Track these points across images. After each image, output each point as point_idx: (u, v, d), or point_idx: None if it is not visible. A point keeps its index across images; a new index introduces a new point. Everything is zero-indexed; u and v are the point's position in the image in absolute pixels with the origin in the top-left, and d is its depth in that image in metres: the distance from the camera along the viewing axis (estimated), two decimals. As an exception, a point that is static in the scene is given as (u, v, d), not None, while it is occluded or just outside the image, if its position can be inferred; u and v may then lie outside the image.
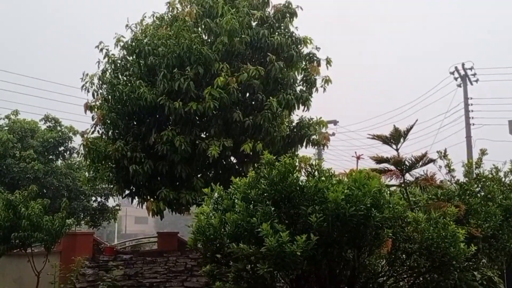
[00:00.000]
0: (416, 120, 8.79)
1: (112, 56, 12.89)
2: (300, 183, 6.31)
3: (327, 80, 13.13)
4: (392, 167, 9.06)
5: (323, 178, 6.28)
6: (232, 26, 11.57)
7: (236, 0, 12.80)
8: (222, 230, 6.21)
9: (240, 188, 6.48)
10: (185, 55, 11.71)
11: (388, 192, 8.19)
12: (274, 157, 6.59)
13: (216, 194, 6.74)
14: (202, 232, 6.33)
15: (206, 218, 6.37)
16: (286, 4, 13.15)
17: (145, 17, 13.40)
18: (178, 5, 13.53)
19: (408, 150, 9.77)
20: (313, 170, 6.53)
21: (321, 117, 13.36)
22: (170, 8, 13.60)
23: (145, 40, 12.38)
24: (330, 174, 6.41)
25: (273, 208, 6.02)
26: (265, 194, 6.21)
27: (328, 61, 13.17)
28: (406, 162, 8.80)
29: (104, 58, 12.88)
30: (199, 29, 12.56)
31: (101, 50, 12.82)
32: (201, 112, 11.41)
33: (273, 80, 12.25)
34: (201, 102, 11.38)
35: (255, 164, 12.36)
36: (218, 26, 11.88)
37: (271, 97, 11.72)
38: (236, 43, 11.87)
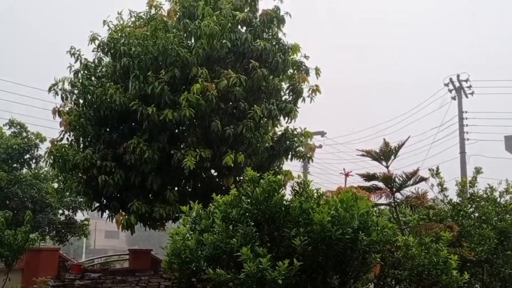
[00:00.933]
0: (408, 137, 8.84)
1: (85, 60, 12.66)
2: (286, 203, 6.22)
3: (315, 90, 13.07)
4: (382, 185, 9.06)
5: (308, 198, 6.18)
6: (212, 29, 11.44)
7: (219, 1, 12.70)
8: (199, 252, 6.06)
9: (221, 206, 6.34)
10: (161, 57, 11.54)
11: (377, 212, 8.17)
12: (258, 174, 6.48)
13: (194, 212, 6.59)
14: (177, 254, 6.17)
15: (182, 239, 6.22)
16: (275, 9, 13.13)
17: (121, 14, 13.22)
18: (162, 3, 13.39)
19: (399, 165, 9.78)
20: (301, 189, 6.43)
21: (305, 128, 13.33)
22: (149, 7, 13.46)
23: (121, 40, 12.21)
24: (318, 193, 6.31)
25: (255, 229, 5.90)
26: (247, 214, 6.09)
27: (317, 71, 13.17)
28: (397, 180, 8.82)
29: (75, 62, 12.63)
30: (180, 31, 12.42)
31: (73, 54, 12.57)
32: (177, 120, 11.24)
33: (256, 88, 12.19)
34: (177, 109, 11.19)
35: (237, 178, 12.40)
36: (197, 28, 11.76)
37: (255, 105, 11.62)
38: (216, 47, 11.77)
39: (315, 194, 6.36)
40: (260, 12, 13.24)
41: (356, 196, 6.04)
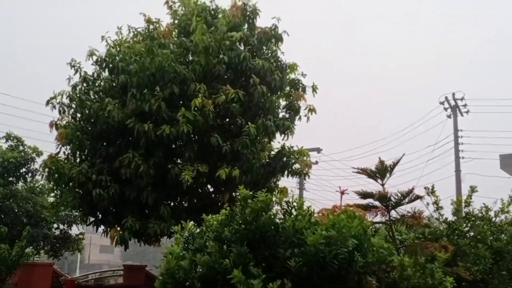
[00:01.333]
0: (403, 155, 8.87)
1: (84, 73, 12.75)
2: (277, 221, 6.21)
3: (311, 109, 13.23)
4: (377, 203, 9.10)
5: (300, 217, 6.17)
6: (207, 44, 11.51)
7: (215, 20, 12.82)
8: (193, 272, 6.05)
9: (212, 226, 6.34)
10: (159, 73, 11.64)
11: (373, 230, 8.18)
12: (253, 191, 6.49)
13: (186, 232, 6.59)
14: (171, 274, 6.15)
15: (176, 259, 6.21)
16: (272, 28, 13.24)
17: (121, 29, 13.34)
18: (161, 20, 13.50)
19: (394, 182, 9.83)
20: (290, 208, 6.42)
21: (302, 146, 13.40)
22: (147, 24, 13.56)
23: (119, 56, 12.29)
24: (309, 212, 6.31)
25: (248, 249, 5.90)
26: (238, 234, 6.09)
27: (314, 88, 13.31)
28: (392, 198, 8.86)
29: (75, 74, 12.73)
30: (178, 48, 12.50)
31: (73, 66, 12.67)
32: (174, 136, 11.29)
33: (254, 104, 12.27)
34: (175, 124, 11.28)
35: (233, 193, 12.41)
36: (193, 44, 11.82)
37: (249, 123, 11.69)
38: (213, 62, 11.85)
39: (307, 213, 6.32)
40: (258, 30, 13.32)
41: (354, 215, 6.04)
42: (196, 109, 11.12)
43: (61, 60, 12.88)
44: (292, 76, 13.49)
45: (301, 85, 13.42)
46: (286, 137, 12.81)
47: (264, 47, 13.17)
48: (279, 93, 13.23)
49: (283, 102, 13.39)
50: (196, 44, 11.73)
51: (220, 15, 13.03)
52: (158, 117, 11.45)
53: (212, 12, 13.25)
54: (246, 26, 13.25)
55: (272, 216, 6.09)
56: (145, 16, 13.45)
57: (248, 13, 13.22)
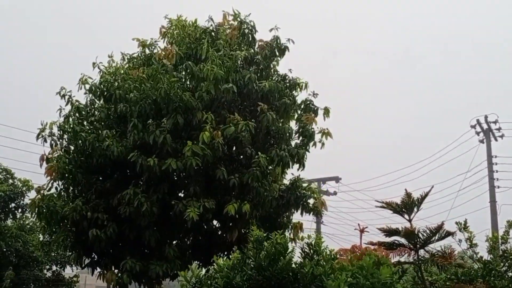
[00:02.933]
0: (432, 187, 8.74)
1: (76, 102, 12.69)
2: (294, 266, 6.03)
3: (325, 133, 12.93)
4: (404, 241, 8.90)
5: (321, 261, 5.99)
6: (216, 74, 11.42)
7: (217, 41, 12.75)
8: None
9: (222, 271, 6.15)
10: (163, 102, 11.53)
11: (400, 271, 7.94)
12: (265, 227, 6.34)
13: (193, 278, 6.38)
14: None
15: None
16: (274, 39, 13.14)
17: (112, 57, 13.29)
18: (156, 41, 13.51)
19: (422, 214, 9.64)
20: (311, 251, 6.24)
21: (310, 184, 13.15)
22: (142, 48, 13.55)
23: (116, 83, 12.26)
24: (331, 256, 6.12)
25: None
26: (251, 281, 5.89)
27: (326, 111, 13.10)
28: (420, 235, 8.67)
29: (66, 104, 12.67)
30: (180, 72, 12.45)
31: (63, 96, 12.61)
32: (181, 170, 11.15)
33: (264, 133, 12.12)
34: (180, 157, 11.13)
35: (242, 230, 12.20)
36: (201, 71, 11.69)
37: (259, 153, 11.52)
38: (223, 91, 11.69)
39: (328, 257, 6.14)
40: (257, 45, 13.24)
41: (379, 260, 5.83)
42: (205, 143, 11.00)
43: (51, 86, 12.91)
44: (301, 95, 13.29)
45: (312, 106, 13.14)
46: (301, 167, 12.52)
47: (271, 65, 13.00)
48: (290, 115, 13.01)
49: (294, 127, 13.12)
50: (207, 72, 11.51)
51: (221, 38, 12.94)
52: (162, 150, 11.32)
53: (213, 34, 13.19)
54: (246, 45, 13.14)
55: (291, 261, 5.91)
56: (139, 40, 13.44)
57: (246, 31, 13.20)
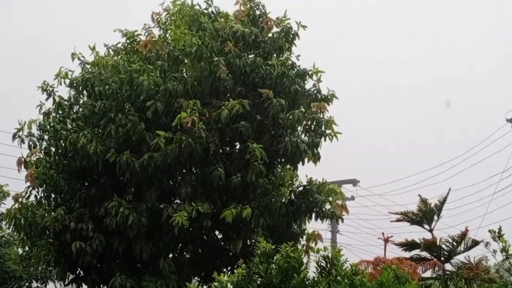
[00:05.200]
0: (449, 190, 8.84)
1: (59, 97, 12.62)
2: (308, 282, 5.88)
3: (329, 122, 12.34)
4: (426, 253, 8.90)
5: (338, 277, 5.85)
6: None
7: (215, 22, 12.55)
8: None
9: (225, 288, 6.02)
10: (135, 91, 11.56)
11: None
12: (273, 236, 6.20)
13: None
14: None
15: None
16: (283, 24, 12.85)
17: (95, 49, 13.13)
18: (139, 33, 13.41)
19: (452, 221, 9.58)
20: (327, 265, 6.09)
21: (326, 183, 12.71)
22: (126, 39, 13.42)
23: (99, 76, 12.24)
24: (352, 271, 5.96)
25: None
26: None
27: (331, 97, 12.75)
28: (444, 246, 8.66)
29: (47, 99, 12.64)
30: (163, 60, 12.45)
31: (45, 90, 12.56)
32: (159, 163, 10.96)
33: (271, 123, 11.81)
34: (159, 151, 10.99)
35: (247, 240, 12.04)
36: (181, 52, 11.66)
37: (254, 144, 11.13)
38: (211, 70, 11.54)
39: (348, 272, 6.00)
40: (266, 27, 12.93)
41: (404, 279, 5.68)
42: (180, 127, 10.92)
43: (32, 82, 12.81)
44: (309, 84, 12.96)
45: (321, 95, 12.78)
46: (317, 160, 12.12)
47: (280, 48, 12.70)
48: (300, 105, 12.72)
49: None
50: (183, 50, 11.49)
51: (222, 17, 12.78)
52: (142, 144, 11.32)
53: (212, 15, 13.03)
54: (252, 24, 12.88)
55: (305, 278, 5.78)
56: (122, 31, 13.36)
57: (258, 12, 12.96)
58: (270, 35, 12.90)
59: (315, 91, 12.91)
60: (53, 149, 12.44)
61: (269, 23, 12.91)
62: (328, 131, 12.45)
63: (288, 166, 12.79)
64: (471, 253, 8.98)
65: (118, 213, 10.99)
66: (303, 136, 12.42)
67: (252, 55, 12.34)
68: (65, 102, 12.70)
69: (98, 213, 11.51)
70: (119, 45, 13.52)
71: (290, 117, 11.78)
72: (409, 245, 8.87)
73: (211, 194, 11.76)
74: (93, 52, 13.12)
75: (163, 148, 10.88)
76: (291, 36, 12.88)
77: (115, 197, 11.21)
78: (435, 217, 8.92)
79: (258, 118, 12.13)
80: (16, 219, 11.87)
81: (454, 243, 8.68)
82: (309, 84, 12.97)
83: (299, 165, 12.31)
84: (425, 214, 8.85)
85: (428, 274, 8.89)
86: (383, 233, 8.28)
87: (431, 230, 8.87)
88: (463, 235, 8.64)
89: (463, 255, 8.99)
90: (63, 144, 11.90)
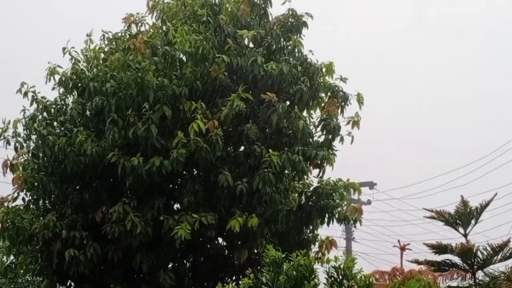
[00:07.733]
0: (495, 195, 8.76)
1: (43, 100, 12.69)
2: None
3: (355, 122, 12.78)
4: (458, 260, 8.95)
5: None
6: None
7: (219, 15, 12.70)
8: None
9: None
10: (141, 93, 11.61)
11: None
12: (282, 245, 6.42)
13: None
14: None
15: None
16: (289, 14, 13.09)
17: (91, 37, 13.31)
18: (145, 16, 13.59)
19: (482, 227, 9.72)
20: (339, 276, 6.30)
21: (348, 179, 12.95)
22: (127, 25, 13.57)
23: (91, 73, 12.45)
24: (366, 282, 6.17)
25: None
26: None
27: (359, 98, 13.00)
28: (479, 253, 8.72)
29: (31, 104, 12.71)
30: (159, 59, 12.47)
31: (26, 94, 12.63)
32: (169, 171, 11.15)
33: (275, 131, 12.12)
34: (169, 157, 11.17)
35: (253, 250, 12.23)
36: (179, 50, 11.79)
37: (270, 150, 11.42)
38: (211, 68, 11.74)
39: (363, 283, 6.21)
40: (271, 23, 13.17)
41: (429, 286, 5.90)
42: (197, 134, 11.05)
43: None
44: (328, 81, 13.17)
45: (341, 93, 13.00)
46: (321, 173, 12.51)
47: (285, 43, 12.94)
48: (311, 106, 12.92)
49: (315, 119, 13.03)
50: (183, 50, 11.61)
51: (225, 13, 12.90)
52: (147, 147, 11.42)
53: (215, 8, 13.18)
54: (257, 21, 13.12)
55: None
56: (126, 18, 13.48)
57: (259, 6, 13.18)
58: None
59: (334, 89, 13.07)
60: (41, 154, 12.50)
61: (274, 20, 13.10)
62: (345, 131, 12.77)
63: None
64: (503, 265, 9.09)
65: (121, 220, 11.11)
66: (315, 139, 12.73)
67: (256, 53, 12.38)
68: (51, 104, 12.82)
69: (92, 219, 11.67)
70: (119, 34, 13.54)
71: (294, 127, 12.07)
72: (441, 249, 8.91)
73: (215, 201, 11.97)
74: (88, 40, 13.24)
75: (177, 154, 11.01)
76: (299, 25, 13.10)
77: (119, 203, 11.27)
78: (473, 221, 9.00)
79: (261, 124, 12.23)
80: (3, 223, 11.99)
81: (492, 252, 8.73)
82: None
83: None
84: (462, 217, 8.91)
85: (454, 282, 9.03)
86: (398, 241, 8.41)
87: (465, 235, 8.92)
88: (505, 244, 8.71)
89: (498, 264, 9.07)
90: (50, 151, 11.91)
